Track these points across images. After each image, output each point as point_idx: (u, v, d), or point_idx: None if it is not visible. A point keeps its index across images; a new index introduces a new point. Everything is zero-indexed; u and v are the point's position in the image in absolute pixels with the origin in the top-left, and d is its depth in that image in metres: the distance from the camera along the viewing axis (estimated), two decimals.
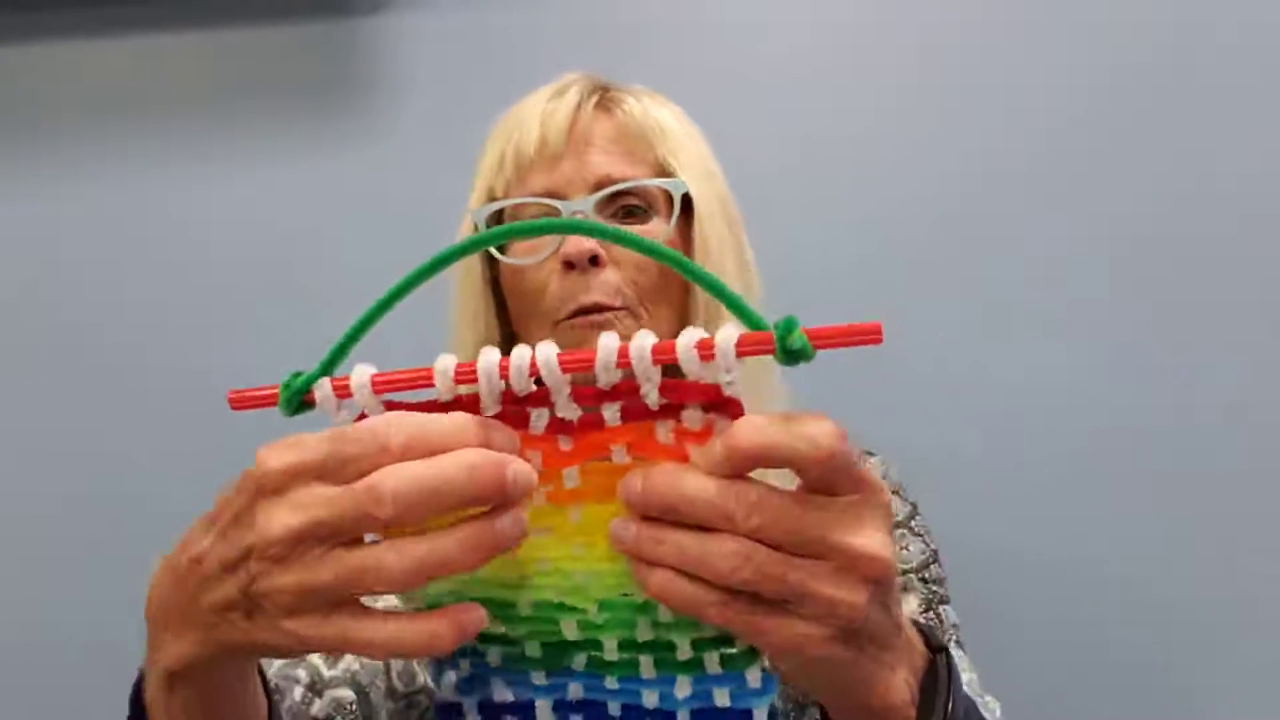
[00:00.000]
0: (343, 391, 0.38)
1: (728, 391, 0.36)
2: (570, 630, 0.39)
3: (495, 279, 0.74)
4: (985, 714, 0.60)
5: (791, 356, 0.34)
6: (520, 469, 0.35)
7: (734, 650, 0.38)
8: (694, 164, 0.72)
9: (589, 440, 0.37)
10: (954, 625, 0.74)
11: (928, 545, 0.77)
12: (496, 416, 0.37)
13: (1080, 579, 1.11)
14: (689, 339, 0.35)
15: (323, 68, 1.21)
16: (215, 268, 1.20)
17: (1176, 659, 1.10)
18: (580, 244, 0.67)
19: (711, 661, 0.38)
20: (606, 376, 0.36)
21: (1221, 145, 1.13)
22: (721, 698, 0.38)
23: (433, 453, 0.34)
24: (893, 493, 0.78)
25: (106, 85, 1.22)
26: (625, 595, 0.38)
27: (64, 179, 1.22)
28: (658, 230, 0.70)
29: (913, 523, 0.78)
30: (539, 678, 0.41)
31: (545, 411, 0.37)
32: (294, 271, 1.20)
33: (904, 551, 0.75)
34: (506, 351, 0.73)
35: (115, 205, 1.21)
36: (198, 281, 1.20)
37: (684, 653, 0.38)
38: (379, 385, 0.38)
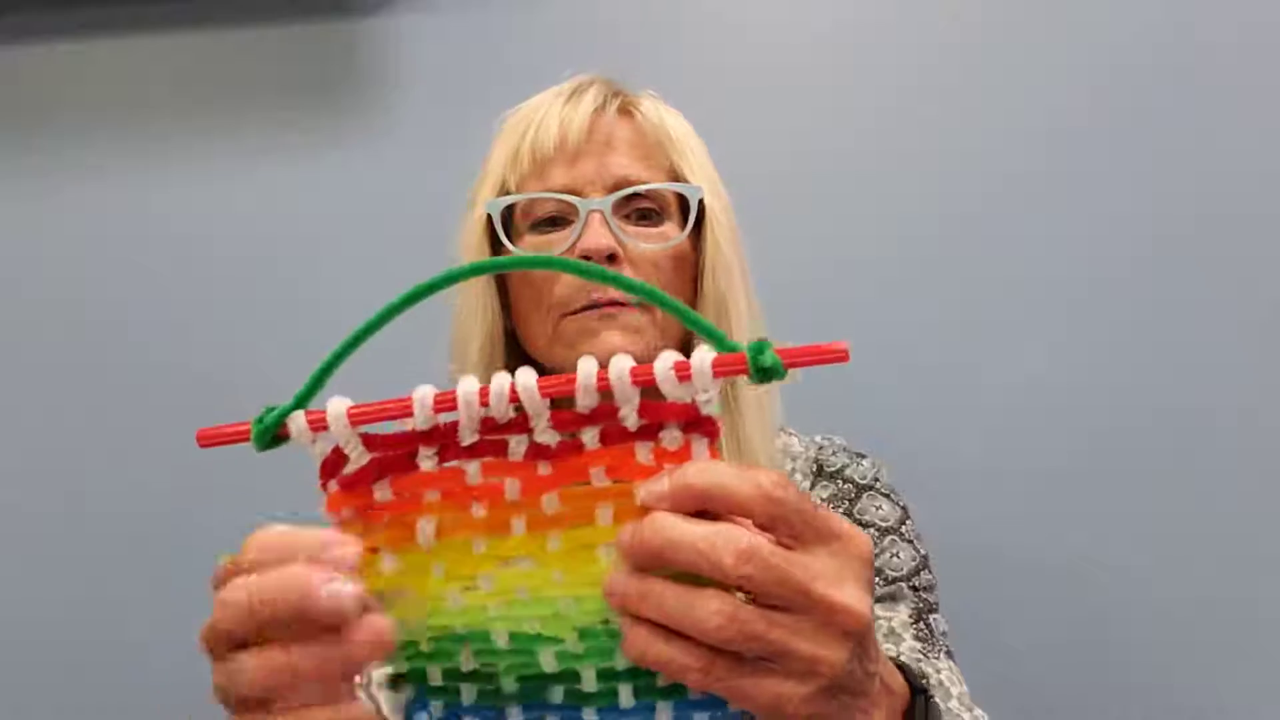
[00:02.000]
0: (318, 425, 0.38)
1: (705, 410, 0.36)
2: (549, 661, 0.38)
3: (498, 276, 0.75)
4: None
5: (764, 375, 0.35)
6: (335, 589, 0.35)
7: None
8: (704, 174, 0.74)
9: (568, 464, 0.37)
10: (943, 634, 0.74)
11: (918, 551, 0.77)
12: (474, 445, 0.37)
13: (1075, 581, 1.11)
14: (666, 362, 0.36)
15: (324, 67, 1.21)
16: (215, 267, 1.20)
17: (1175, 660, 1.10)
18: (598, 240, 0.68)
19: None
20: (586, 400, 0.36)
21: (1218, 147, 1.14)
22: None
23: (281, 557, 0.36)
24: (884, 495, 0.78)
25: (106, 85, 1.22)
26: (605, 623, 0.38)
27: (64, 179, 1.22)
28: (670, 234, 0.71)
29: (903, 528, 0.77)
30: (515, 714, 0.40)
31: (524, 438, 0.37)
32: (294, 270, 1.20)
33: (894, 559, 0.75)
34: (512, 343, 0.74)
35: (115, 205, 1.21)
36: (198, 280, 1.20)
37: (664, 679, 0.38)
38: (355, 418, 0.38)
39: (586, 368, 0.36)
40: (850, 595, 0.35)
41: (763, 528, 0.35)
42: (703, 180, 0.73)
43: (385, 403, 0.37)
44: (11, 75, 1.22)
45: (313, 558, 0.36)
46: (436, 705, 0.40)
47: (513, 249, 0.71)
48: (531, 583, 0.38)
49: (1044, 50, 1.16)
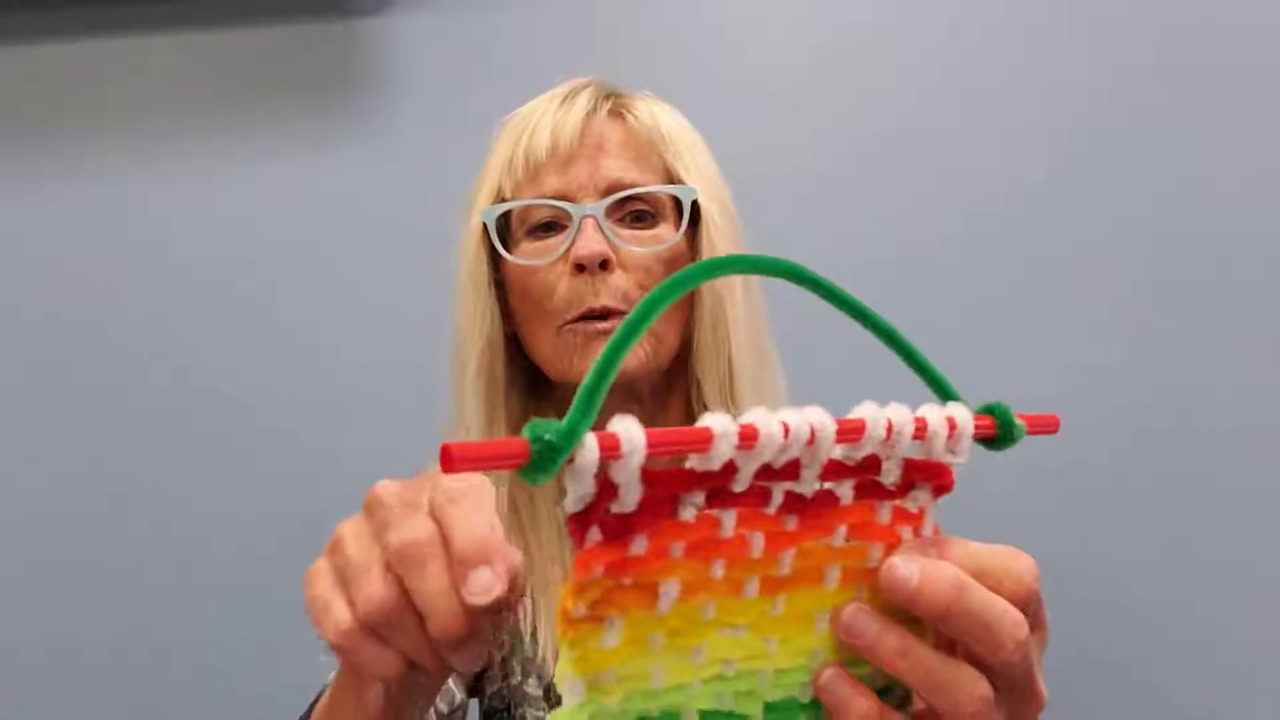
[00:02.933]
0: (609, 451, 0.29)
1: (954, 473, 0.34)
2: None
3: (498, 280, 0.75)
4: None
5: (1006, 441, 0.35)
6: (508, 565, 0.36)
7: None
8: (701, 172, 0.73)
9: (817, 519, 0.33)
10: None
11: None
12: (744, 492, 0.32)
13: (1075, 583, 1.11)
14: (939, 416, 0.34)
15: (324, 68, 1.21)
16: (215, 267, 1.20)
17: (1175, 659, 1.10)
18: (591, 246, 0.68)
19: None
20: (872, 446, 0.33)
21: (1224, 152, 1.13)
22: None
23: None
24: None
25: (106, 85, 1.22)
26: (792, 697, 0.34)
27: (64, 179, 1.22)
28: (665, 235, 0.71)
29: None
30: None
31: (785, 486, 0.32)
32: (294, 271, 1.20)
33: None
34: (513, 350, 0.74)
35: (115, 205, 1.21)
36: (198, 280, 1.20)
37: None
38: (654, 447, 0.29)
39: (875, 415, 0.32)
40: (1043, 688, 0.37)
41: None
42: (698, 179, 0.73)
43: (677, 431, 0.29)
44: (11, 75, 1.22)
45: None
46: None
47: (508, 256, 0.72)
48: (740, 653, 0.33)
49: (1049, 55, 1.16)
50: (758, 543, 0.32)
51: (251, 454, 1.17)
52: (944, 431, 0.33)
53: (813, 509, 0.33)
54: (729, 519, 0.31)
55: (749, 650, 0.33)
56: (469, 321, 0.74)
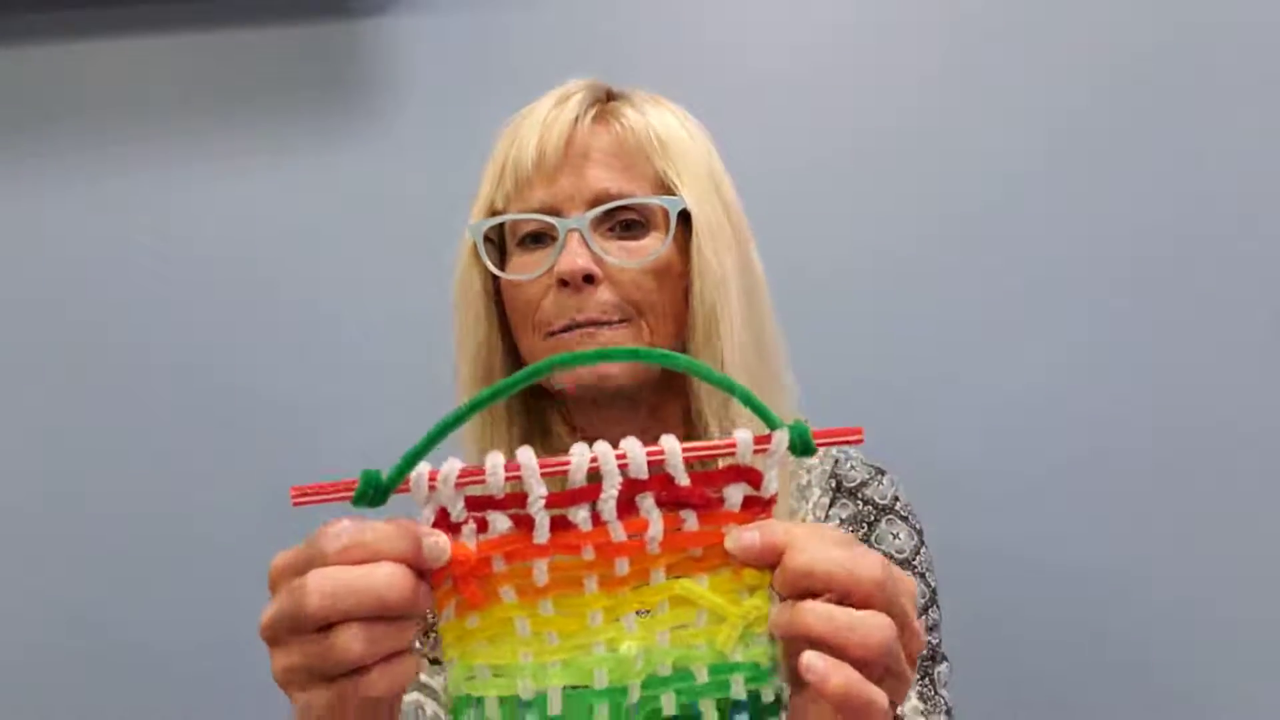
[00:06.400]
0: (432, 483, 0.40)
1: (768, 490, 0.41)
2: (603, 717, 0.41)
3: (496, 291, 0.75)
4: None
5: (802, 450, 0.41)
6: (437, 542, 0.39)
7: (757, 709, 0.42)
8: (695, 177, 0.72)
9: (635, 531, 0.41)
10: (944, 685, 0.72)
11: (928, 585, 0.76)
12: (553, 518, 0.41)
13: (1074, 582, 1.11)
14: (746, 438, 0.41)
15: (324, 69, 1.21)
16: (216, 267, 1.20)
17: (1177, 660, 1.10)
18: (574, 262, 0.67)
19: None
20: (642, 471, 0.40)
21: (1224, 150, 1.13)
22: None
23: (369, 555, 0.38)
24: (902, 519, 0.77)
25: (106, 85, 1.22)
26: (654, 675, 0.41)
27: (64, 179, 1.22)
28: (653, 245, 0.70)
29: (917, 559, 0.76)
30: None
31: (589, 508, 0.41)
32: (294, 271, 1.20)
33: None
34: (512, 354, 0.74)
35: (116, 205, 1.21)
36: (198, 281, 1.20)
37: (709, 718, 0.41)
38: (463, 481, 0.40)
39: (671, 445, 0.40)
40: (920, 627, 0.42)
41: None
42: (691, 185, 0.71)
43: (471, 469, 0.40)
44: (12, 75, 1.22)
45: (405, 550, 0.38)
46: None
47: (496, 272, 0.72)
48: (602, 637, 0.41)
49: (1045, 52, 1.15)
50: (588, 552, 0.41)
51: (255, 452, 1.17)
52: (750, 449, 0.41)
53: (629, 526, 0.41)
54: (541, 530, 0.40)
55: (605, 635, 0.41)
56: (464, 330, 0.75)
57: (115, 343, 1.20)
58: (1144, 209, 1.13)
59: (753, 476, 0.41)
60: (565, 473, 0.40)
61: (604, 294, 0.69)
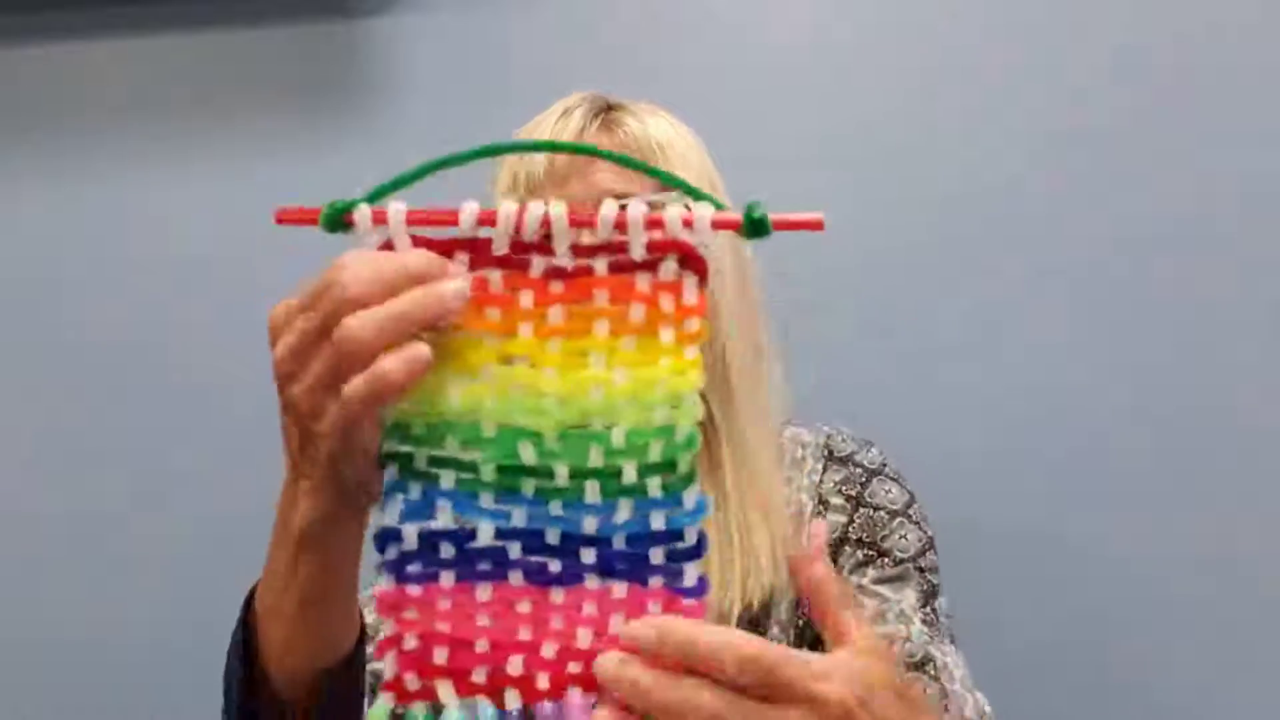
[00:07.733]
0: (378, 219, 0.43)
1: (701, 252, 0.43)
2: (527, 454, 0.43)
3: None
4: (971, 714, 0.68)
5: (755, 228, 0.42)
6: (456, 287, 0.42)
7: (675, 475, 0.43)
8: (694, 179, 0.74)
9: (578, 284, 0.43)
10: (947, 616, 0.77)
11: (924, 533, 0.80)
12: (503, 257, 0.43)
13: (1076, 574, 1.11)
14: (674, 212, 0.42)
15: (324, 69, 1.21)
16: (215, 267, 1.20)
17: (1173, 655, 1.10)
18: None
19: (654, 486, 0.43)
20: (605, 232, 0.43)
21: (1225, 148, 1.13)
22: (658, 520, 0.43)
23: (388, 284, 0.41)
24: (892, 479, 0.82)
25: (106, 85, 1.22)
26: (583, 427, 0.43)
27: (64, 179, 1.22)
28: None
29: (910, 510, 0.81)
30: (487, 501, 0.44)
31: (545, 259, 0.43)
32: (294, 271, 1.19)
33: (903, 540, 0.78)
34: None
35: (115, 205, 1.21)
36: (198, 281, 1.20)
37: (629, 477, 0.43)
38: (412, 219, 0.43)
39: (607, 211, 0.42)
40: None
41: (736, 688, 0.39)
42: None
43: (438, 210, 0.43)
44: (12, 75, 1.22)
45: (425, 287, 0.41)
46: (415, 487, 0.44)
47: None
48: (526, 379, 0.43)
49: (1047, 50, 1.15)
50: (527, 297, 0.43)
51: (250, 456, 1.17)
52: (679, 222, 0.42)
53: (574, 277, 0.43)
54: (495, 276, 0.43)
55: (533, 376, 0.43)
56: None
57: (113, 343, 1.20)
58: (1146, 204, 1.13)
59: (685, 250, 0.43)
60: (523, 224, 0.42)
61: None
